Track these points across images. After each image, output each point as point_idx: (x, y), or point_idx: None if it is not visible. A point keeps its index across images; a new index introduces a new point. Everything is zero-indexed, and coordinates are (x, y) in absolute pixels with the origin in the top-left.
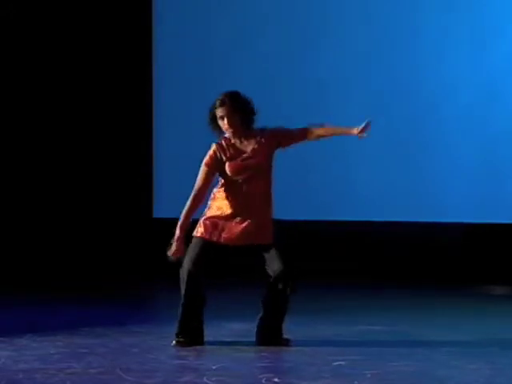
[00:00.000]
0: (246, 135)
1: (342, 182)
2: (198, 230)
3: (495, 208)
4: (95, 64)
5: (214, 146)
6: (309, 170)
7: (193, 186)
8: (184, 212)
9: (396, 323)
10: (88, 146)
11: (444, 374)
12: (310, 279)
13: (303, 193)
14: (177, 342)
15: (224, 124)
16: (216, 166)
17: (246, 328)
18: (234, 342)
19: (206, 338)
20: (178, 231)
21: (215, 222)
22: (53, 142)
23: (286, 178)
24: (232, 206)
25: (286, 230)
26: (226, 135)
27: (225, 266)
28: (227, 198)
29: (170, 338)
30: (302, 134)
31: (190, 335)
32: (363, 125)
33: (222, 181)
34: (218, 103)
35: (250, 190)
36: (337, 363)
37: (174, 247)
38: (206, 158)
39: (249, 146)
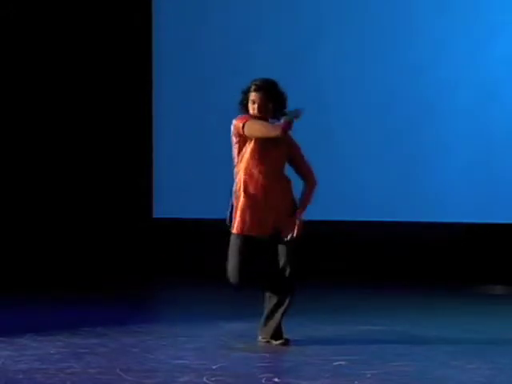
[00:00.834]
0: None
1: (342, 182)
2: (235, 225)
3: (495, 208)
4: (95, 65)
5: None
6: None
7: (193, 185)
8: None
9: (396, 323)
10: (88, 146)
11: (444, 374)
12: (309, 279)
13: None
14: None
15: (254, 108)
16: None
17: (246, 328)
18: (233, 343)
19: (208, 338)
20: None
21: (251, 212)
22: (54, 143)
23: None
24: (260, 192)
25: None
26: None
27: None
28: (253, 180)
29: (170, 338)
30: (302, 176)
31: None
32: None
33: (244, 156)
34: (253, 87)
35: (278, 177)
36: (337, 363)
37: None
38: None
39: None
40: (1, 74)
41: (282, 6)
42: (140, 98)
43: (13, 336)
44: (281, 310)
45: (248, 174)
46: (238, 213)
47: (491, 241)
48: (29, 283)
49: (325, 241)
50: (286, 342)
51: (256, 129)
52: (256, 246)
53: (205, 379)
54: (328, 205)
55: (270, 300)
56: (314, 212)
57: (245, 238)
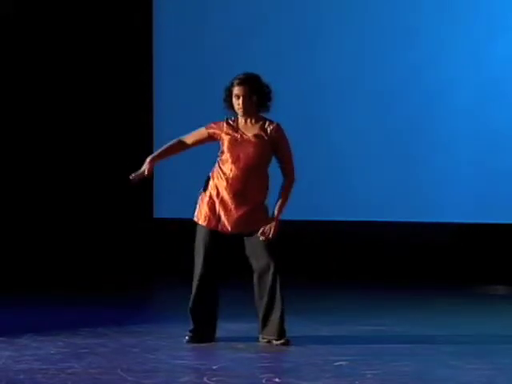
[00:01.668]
0: (255, 119)
1: (342, 182)
2: (200, 216)
3: (495, 208)
4: (96, 65)
5: (224, 120)
6: (309, 170)
7: (194, 186)
8: (160, 149)
9: (396, 323)
10: (89, 146)
11: (444, 374)
12: (309, 279)
13: (303, 193)
14: (188, 337)
15: (238, 103)
16: (213, 132)
17: (246, 328)
18: (234, 343)
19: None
20: (147, 163)
21: (212, 208)
22: (54, 143)
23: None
24: (225, 188)
25: (286, 230)
26: (239, 117)
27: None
28: (220, 177)
29: (170, 338)
30: (283, 172)
31: (201, 331)
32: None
33: (218, 159)
34: (236, 82)
35: (241, 173)
36: (337, 363)
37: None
38: (210, 124)
39: (252, 130)
40: (2, 75)
41: (282, 6)
42: (140, 98)
43: (13, 336)
44: (277, 308)
45: (217, 175)
46: (205, 207)
47: (491, 241)
48: (29, 283)
49: (324, 241)
50: (287, 342)
51: None
52: (222, 241)
53: (205, 379)
54: (327, 205)
55: (261, 301)
56: (314, 212)
57: (210, 231)
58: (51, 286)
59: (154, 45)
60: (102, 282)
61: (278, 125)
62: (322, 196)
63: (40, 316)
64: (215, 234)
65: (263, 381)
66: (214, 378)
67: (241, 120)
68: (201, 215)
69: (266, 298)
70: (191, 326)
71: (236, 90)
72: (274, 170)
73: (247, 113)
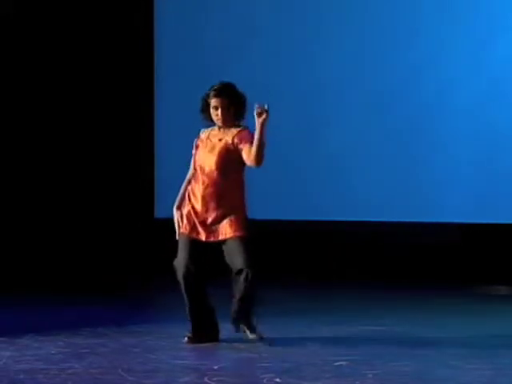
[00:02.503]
0: (230, 126)
1: (342, 182)
2: (182, 224)
3: (495, 208)
4: (96, 65)
5: (200, 133)
6: (309, 170)
7: None
8: (179, 196)
9: (396, 323)
10: (90, 147)
11: (444, 374)
12: (309, 279)
13: (303, 193)
14: (187, 338)
15: (217, 114)
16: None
17: None
18: (234, 343)
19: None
20: (175, 212)
21: (189, 217)
22: (55, 143)
23: (286, 178)
24: (198, 198)
25: (285, 230)
26: (215, 127)
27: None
28: (194, 185)
29: (170, 338)
30: (245, 154)
31: (202, 332)
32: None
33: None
34: (213, 93)
35: (209, 179)
36: (338, 363)
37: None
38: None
39: (220, 136)
40: (3, 76)
41: (282, 6)
42: (142, 98)
43: (14, 336)
44: (245, 303)
45: (192, 183)
46: (185, 213)
47: (491, 241)
48: (29, 283)
49: (324, 241)
50: (260, 338)
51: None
52: (201, 247)
53: (206, 379)
54: (327, 205)
55: (234, 299)
56: (314, 212)
57: (189, 237)
58: (51, 285)
59: (155, 45)
60: (102, 282)
61: (244, 127)
62: (321, 196)
63: (40, 316)
64: (194, 240)
65: (264, 381)
66: (215, 378)
67: (216, 129)
68: (183, 222)
69: (237, 296)
70: (190, 327)
71: (214, 102)
72: None
73: (226, 123)
